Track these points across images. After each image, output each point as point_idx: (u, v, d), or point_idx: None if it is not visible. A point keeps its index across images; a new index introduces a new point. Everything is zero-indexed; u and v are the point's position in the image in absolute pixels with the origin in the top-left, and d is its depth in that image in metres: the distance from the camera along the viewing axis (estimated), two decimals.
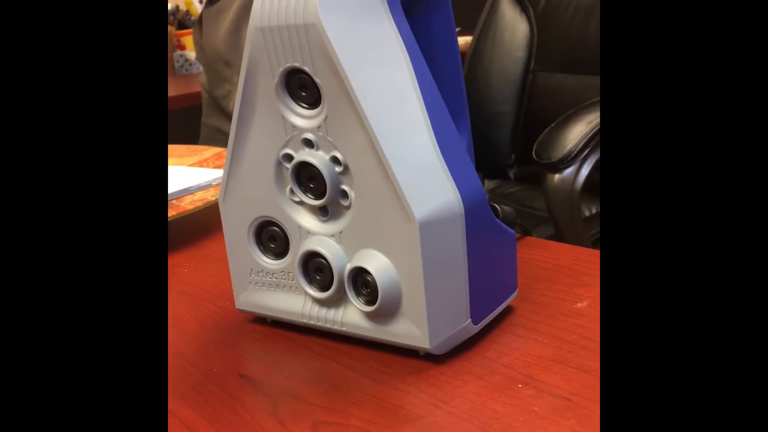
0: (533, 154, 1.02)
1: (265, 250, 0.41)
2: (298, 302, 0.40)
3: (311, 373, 0.37)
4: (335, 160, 0.36)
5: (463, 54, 1.64)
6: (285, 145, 0.37)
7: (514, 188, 1.52)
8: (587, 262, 0.47)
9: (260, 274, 0.41)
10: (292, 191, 0.38)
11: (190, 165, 0.74)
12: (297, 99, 0.37)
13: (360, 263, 0.36)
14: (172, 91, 1.71)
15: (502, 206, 0.50)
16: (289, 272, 0.40)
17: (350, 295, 0.37)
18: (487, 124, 1.59)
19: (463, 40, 1.95)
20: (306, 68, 0.35)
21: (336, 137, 0.36)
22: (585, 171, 1.00)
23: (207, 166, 0.72)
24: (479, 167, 1.55)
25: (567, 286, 0.44)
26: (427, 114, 0.35)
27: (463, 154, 0.37)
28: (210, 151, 0.77)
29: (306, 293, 0.39)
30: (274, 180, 0.38)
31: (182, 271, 0.53)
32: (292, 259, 0.39)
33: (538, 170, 1.10)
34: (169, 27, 2.10)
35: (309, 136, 0.36)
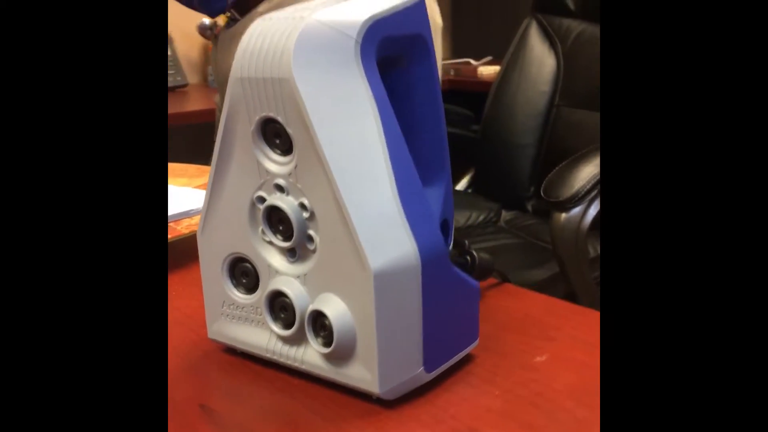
0: (541, 191, 1.03)
1: (237, 284, 0.42)
2: (264, 337, 0.41)
3: (268, 408, 0.39)
4: (303, 206, 0.38)
5: (490, 83, 1.66)
6: (259, 188, 0.39)
7: (531, 221, 1.53)
8: (559, 315, 0.48)
9: (231, 306, 0.42)
10: (263, 231, 0.40)
11: (196, 186, 0.76)
12: (272, 146, 0.38)
13: (319, 306, 0.37)
14: (201, 104, 1.74)
15: (481, 254, 0.51)
16: (257, 307, 0.41)
17: (309, 335, 0.38)
18: (508, 154, 1.59)
19: (493, 70, 1.96)
20: (279, 119, 0.37)
21: (304, 184, 0.37)
22: (592, 212, 1.01)
23: None
24: (496, 196, 1.56)
25: (531, 338, 0.45)
26: (391, 167, 0.37)
27: (426, 208, 0.38)
28: None
29: (271, 329, 0.40)
30: (248, 219, 0.40)
31: (168, 294, 0.55)
32: (260, 296, 0.41)
33: None
34: (206, 41, 2.14)
35: (280, 181, 0.38)
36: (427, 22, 0.43)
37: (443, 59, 2.33)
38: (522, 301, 0.51)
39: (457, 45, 2.40)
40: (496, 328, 0.46)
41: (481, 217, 1.53)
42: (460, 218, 1.50)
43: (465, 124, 1.69)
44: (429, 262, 0.37)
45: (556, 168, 1.05)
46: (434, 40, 0.97)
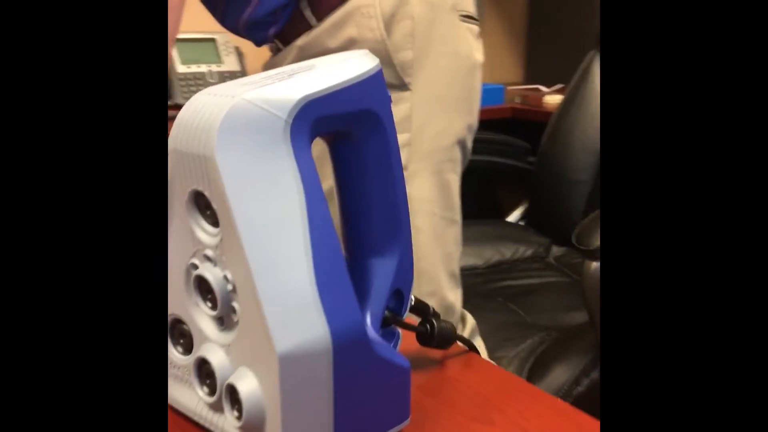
0: (572, 237, 1.00)
1: (176, 344, 0.43)
2: (194, 400, 0.42)
3: None
4: (227, 279, 0.38)
5: (549, 114, 1.63)
6: (192, 256, 0.40)
7: (580, 259, 1.49)
8: (510, 394, 0.47)
9: (171, 364, 0.44)
10: (195, 298, 0.41)
11: None
12: (203, 216, 0.39)
13: (234, 380, 0.38)
14: None
15: (442, 323, 0.50)
16: (190, 370, 0.42)
17: (225, 406, 0.39)
18: (562, 190, 1.56)
19: (558, 99, 1.93)
20: (206, 193, 0.38)
21: (228, 258, 0.38)
22: None
23: None
24: (548, 231, 1.53)
25: (469, 420, 0.44)
26: (310, 249, 0.37)
27: (347, 291, 0.38)
28: None
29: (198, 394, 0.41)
30: (184, 284, 0.41)
31: None
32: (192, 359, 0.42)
33: None
34: None
35: (209, 252, 0.39)
36: (383, 96, 0.43)
37: (515, 84, 2.30)
38: (479, 374, 0.50)
39: (531, 70, 2.37)
40: (439, 403, 0.46)
41: (530, 252, 1.51)
42: (507, 251, 1.48)
43: (521, 156, 1.66)
44: (344, 347, 0.37)
45: (591, 215, 1.02)
46: (471, 78, 0.97)
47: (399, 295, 0.47)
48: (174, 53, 1.72)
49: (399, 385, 0.41)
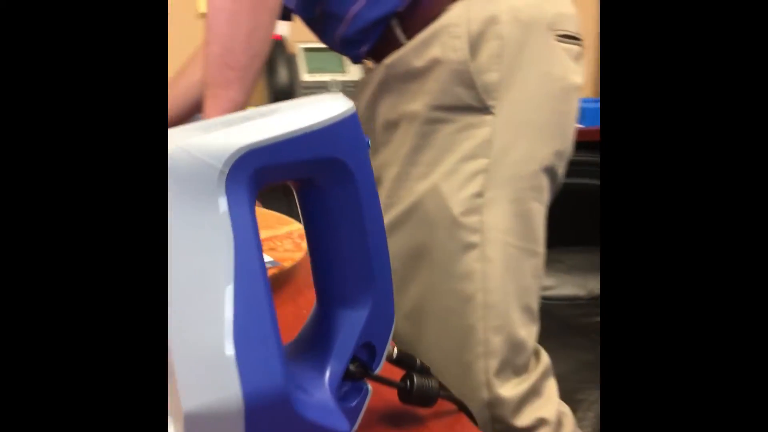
0: None
1: None
2: None
3: None
4: None
5: None
6: None
7: None
8: None
9: None
10: None
11: (277, 237, 0.79)
12: None
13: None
14: None
15: (425, 380, 0.47)
16: None
17: None
18: None
19: None
20: None
21: None
22: None
23: (276, 242, 0.76)
24: None
25: None
26: (233, 306, 0.36)
27: (270, 350, 0.36)
28: (290, 227, 0.82)
29: None
30: None
31: None
32: None
33: None
34: None
35: None
36: (353, 143, 0.41)
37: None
38: None
39: None
40: None
41: None
42: (581, 290, 1.39)
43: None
44: (259, 409, 0.36)
45: None
46: (564, 101, 0.91)
47: (370, 348, 0.45)
48: (301, 61, 1.77)
49: None
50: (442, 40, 0.82)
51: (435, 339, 0.85)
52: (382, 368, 0.49)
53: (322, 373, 0.43)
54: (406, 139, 0.85)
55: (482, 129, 0.82)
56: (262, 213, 0.86)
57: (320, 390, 0.42)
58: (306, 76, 1.75)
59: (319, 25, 0.94)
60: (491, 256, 0.82)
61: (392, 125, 0.87)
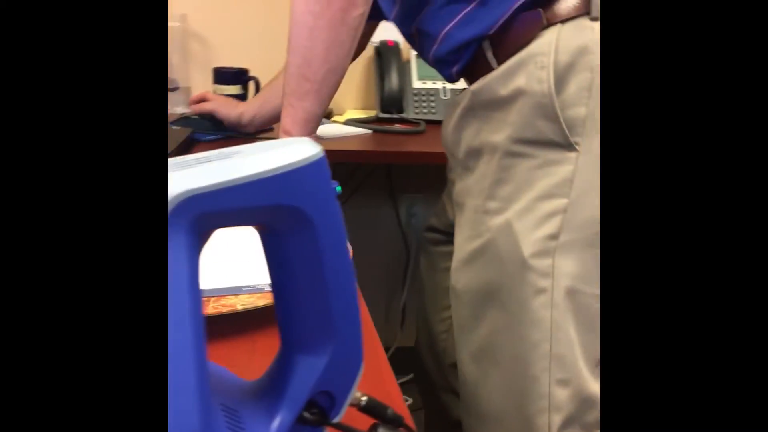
0: None
1: None
2: None
3: None
4: None
5: None
6: None
7: None
8: None
9: None
10: None
11: None
12: None
13: None
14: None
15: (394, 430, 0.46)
16: None
17: None
18: None
19: None
20: None
21: None
22: None
23: None
24: None
25: None
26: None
27: (191, 397, 0.36)
28: None
29: None
30: None
31: None
32: None
33: None
34: None
35: None
36: (315, 190, 0.41)
37: None
38: None
39: None
40: None
41: None
42: None
43: None
44: None
45: None
46: None
47: (328, 397, 0.44)
48: (413, 68, 1.77)
49: None
50: (527, 70, 0.77)
51: (498, 386, 0.82)
52: (353, 416, 0.48)
53: (273, 416, 0.43)
54: (487, 171, 0.82)
55: (564, 167, 0.77)
56: None
57: None
58: (417, 83, 1.74)
59: (415, 41, 0.94)
60: (561, 304, 0.77)
61: (475, 153, 0.84)
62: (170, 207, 0.37)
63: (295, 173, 0.40)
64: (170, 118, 1.60)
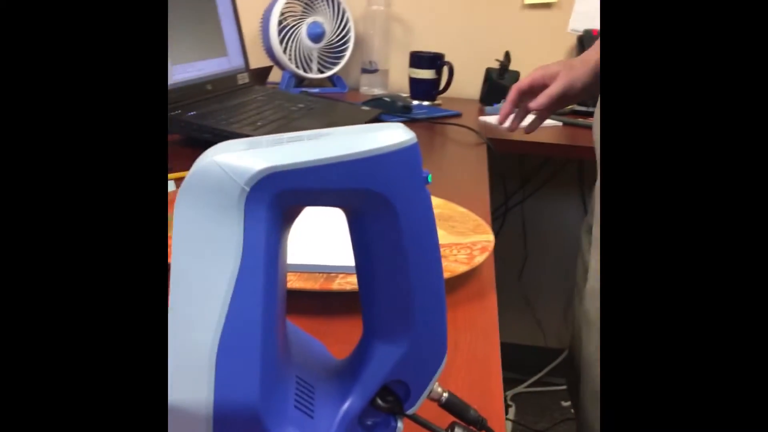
0: None
1: None
2: None
3: None
4: None
5: None
6: None
7: None
8: None
9: None
10: None
11: None
12: None
13: None
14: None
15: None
16: None
17: None
18: None
19: None
20: None
21: None
22: None
23: (452, 251, 0.76)
24: None
25: None
26: (225, 318, 0.38)
27: (251, 367, 0.38)
28: (481, 237, 0.80)
29: None
30: None
31: None
32: None
33: None
34: None
35: None
36: (396, 177, 0.40)
37: None
38: None
39: None
40: None
41: None
42: None
43: None
44: (228, 418, 0.37)
45: None
46: None
47: (403, 387, 0.44)
48: None
49: None
50: None
51: None
52: (434, 412, 0.47)
53: (344, 398, 0.43)
54: None
55: None
56: (461, 215, 0.86)
57: (327, 416, 0.42)
58: None
59: None
60: None
61: None
62: (252, 182, 0.38)
63: (381, 158, 0.40)
64: (365, 98, 1.65)
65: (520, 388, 2.10)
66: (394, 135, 0.40)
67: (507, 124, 1.24)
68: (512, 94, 1.16)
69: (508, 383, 2.09)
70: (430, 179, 0.42)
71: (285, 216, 0.41)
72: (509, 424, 1.91)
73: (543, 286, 2.10)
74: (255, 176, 0.38)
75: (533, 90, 1.14)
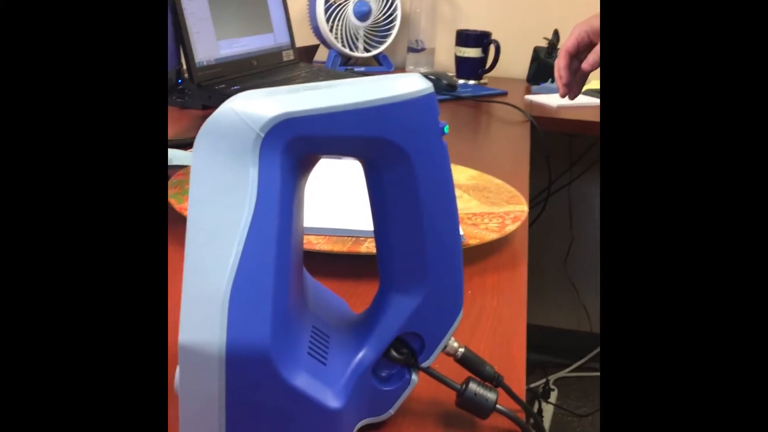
0: None
1: None
2: None
3: None
4: None
5: None
6: None
7: None
8: None
9: None
10: None
11: None
12: None
13: None
14: None
15: (485, 390, 0.44)
16: None
17: None
18: None
19: None
20: None
21: None
22: None
23: (483, 219, 0.75)
24: None
25: None
26: (239, 261, 0.38)
27: (262, 309, 0.38)
28: (515, 207, 0.79)
29: None
30: None
31: None
32: None
33: None
34: None
35: None
36: (412, 126, 0.40)
37: None
38: None
39: None
40: None
41: None
42: None
43: None
44: (240, 359, 0.38)
45: None
46: None
47: (417, 338, 0.44)
48: None
49: (317, 425, 0.40)
50: None
51: None
52: (451, 368, 0.47)
53: (358, 349, 0.43)
54: None
55: None
56: (496, 187, 0.85)
57: (340, 364, 0.42)
58: None
59: None
60: None
61: None
62: (267, 128, 0.39)
63: (395, 107, 0.40)
64: None
65: (564, 373, 2.07)
66: (410, 83, 0.40)
67: (569, 94, 1.17)
68: (563, 59, 1.12)
69: (552, 367, 2.07)
70: (446, 130, 0.41)
71: (300, 164, 0.41)
72: (551, 408, 1.89)
73: (589, 270, 2.07)
74: (269, 122, 0.39)
75: (579, 50, 1.11)
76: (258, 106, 0.39)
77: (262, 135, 0.39)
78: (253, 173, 0.39)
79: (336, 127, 0.39)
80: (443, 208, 0.42)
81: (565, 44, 1.12)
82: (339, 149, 0.40)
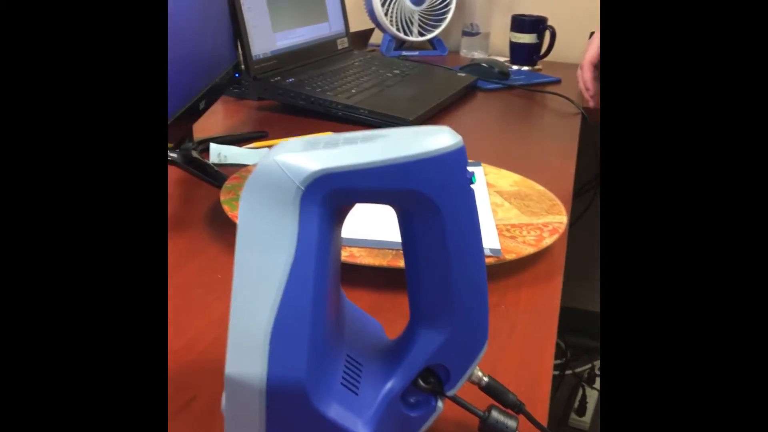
0: None
1: None
2: None
3: None
4: None
5: None
6: None
7: None
8: None
9: None
10: None
11: None
12: None
13: None
14: None
15: (505, 418, 0.48)
16: None
17: None
18: None
19: None
20: None
21: None
22: None
23: (521, 232, 0.78)
24: None
25: None
26: (279, 302, 0.42)
27: (301, 347, 0.42)
28: (554, 218, 0.81)
29: None
30: None
31: None
32: None
33: None
34: None
35: None
36: (442, 179, 0.43)
37: None
38: None
39: None
40: None
41: None
42: None
43: None
44: (279, 392, 0.42)
45: None
46: None
47: (443, 371, 0.47)
48: None
49: None
50: None
51: None
52: (475, 396, 0.51)
53: (387, 378, 0.47)
54: None
55: None
56: (537, 194, 0.87)
57: (371, 393, 0.46)
58: None
59: None
60: None
61: None
62: (307, 182, 0.42)
63: (427, 162, 0.42)
64: (465, 62, 1.65)
65: None
66: (441, 139, 0.43)
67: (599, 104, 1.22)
68: (588, 71, 1.13)
69: (598, 353, 2.08)
70: (474, 180, 0.44)
71: (337, 212, 0.45)
72: (595, 394, 1.91)
73: None
74: (310, 176, 0.42)
75: None
76: (300, 160, 0.43)
77: (303, 188, 0.42)
78: (294, 223, 0.43)
79: (371, 181, 0.43)
80: (470, 253, 0.45)
81: (588, 55, 1.12)
82: (373, 199, 0.44)
